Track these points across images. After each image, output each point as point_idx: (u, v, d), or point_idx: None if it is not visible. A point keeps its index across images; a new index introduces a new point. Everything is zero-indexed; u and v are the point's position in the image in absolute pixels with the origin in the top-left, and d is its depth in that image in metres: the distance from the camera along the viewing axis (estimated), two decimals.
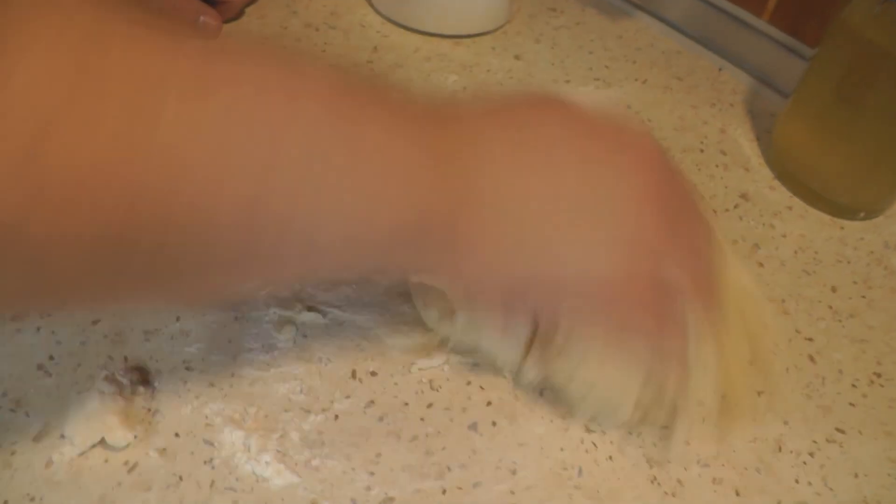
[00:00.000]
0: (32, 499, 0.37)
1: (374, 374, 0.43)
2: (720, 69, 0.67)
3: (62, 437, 0.39)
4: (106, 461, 0.39)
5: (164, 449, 0.39)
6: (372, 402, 0.42)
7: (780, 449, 0.43)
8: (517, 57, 0.66)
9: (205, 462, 0.39)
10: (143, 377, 0.42)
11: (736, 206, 0.56)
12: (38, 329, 0.43)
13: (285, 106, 0.28)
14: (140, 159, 0.25)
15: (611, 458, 0.41)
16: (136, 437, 0.39)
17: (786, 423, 0.44)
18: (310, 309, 0.45)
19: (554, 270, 0.36)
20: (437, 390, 0.42)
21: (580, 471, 0.40)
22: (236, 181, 0.27)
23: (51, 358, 0.42)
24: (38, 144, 0.23)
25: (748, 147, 0.61)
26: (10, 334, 0.43)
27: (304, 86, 0.30)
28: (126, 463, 0.39)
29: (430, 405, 0.42)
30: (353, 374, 0.43)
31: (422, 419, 0.41)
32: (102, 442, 0.39)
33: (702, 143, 0.61)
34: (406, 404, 0.42)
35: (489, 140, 0.35)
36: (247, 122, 0.27)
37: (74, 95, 0.23)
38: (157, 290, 0.32)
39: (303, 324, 0.45)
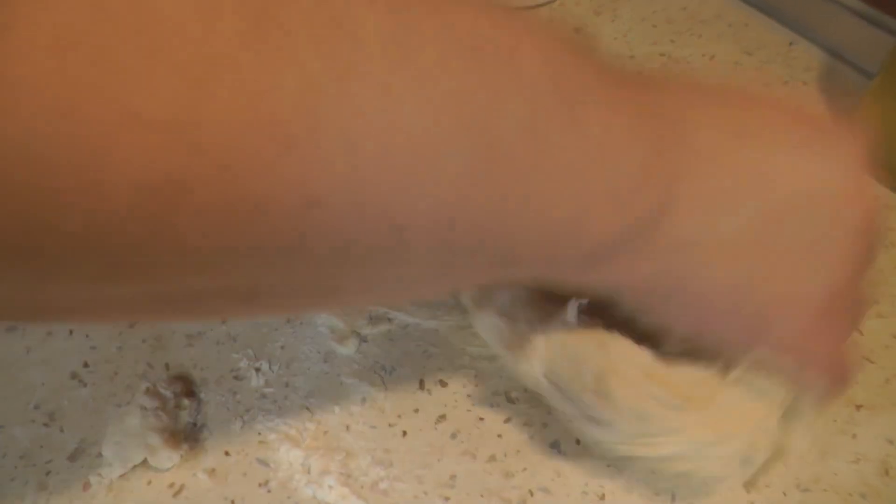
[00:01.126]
0: None
1: (444, 384, 0.39)
2: (791, 44, 0.62)
3: (100, 455, 0.35)
4: (149, 483, 0.35)
5: (214, 470, 0.35)
6: (443, 416, 0.38)
7: (886, 472, 0.38)
8: (578, 30, 0.61)
9: (260, 485, 0.35)
10: (187, 388, 0.38)
11: None
12: (71, 332, 0.39)
13: (503, 70, 0.21)
14: (322, 135, 0.18)
15: (705, 482, 0.37)
16: (181, 456, 0.35)
17: (890, 441, 0.40)
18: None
19: (764, 307, 0.30)
20: (515, 402, 0.38)
21: (673, 496, 0.36)
22: (437, 187, 0.20)
23: (85, 365, 0.38)
24: (200, 89, 0.16)
25: None
26: (40, 338, 0.39)
27: (521, 39, 0.22)
28: (172, 485, 0.35)
29: (507, 419, 0.38)
30: (421, 385, 0.39)
31: (499, 436, 0.37)
32: (145, 462, 0.35)
33: None
34: (481, 419, 0.38)
35: (706, 125, 0.28)
36: (456, 98, 0.20)
37: (247, 40, 0.17)
38: (305, 302, 0.26)
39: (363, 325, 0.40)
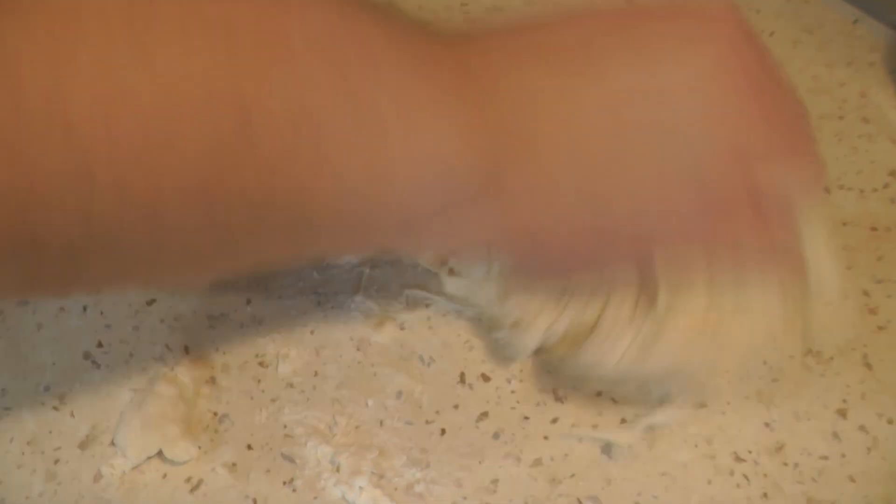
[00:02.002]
0: None
1: (486, 378, 0.36)
2: (855, 21, 0.59)
3: (112, 444, 0.33)
4: (164, 477, 0.32)
5: (235, 464, 0.33)
6: (485, 413, 0.35)
7: None
8: (630, 2, 0.57)
9: (284, 483, 0.32)
10: (207, 374, 0.35)
11: (886, 186, 0.48)
12: (85, 309, 0.36)
13: (262, 49, 0.22)
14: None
15: (766, 495, 0.34)
16: (199, 448, 0.33)
17: None
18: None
19: (633, 219, 0.28)
20: (562, 402, 0.35)
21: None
22: (183, 162, 0.21)
23: (99, 345, 0.35)
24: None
25: (894, 115, 0.52)
26: (52, 314, 0.36)
27: (290, 19, 0.23)
28: (188, 480, 0.32)
29: (554, 420, 0.35)
30: (462, 379, 0.36)
31: (545, 438, 0.34)
32: (160, 454, 0.32)
33: (840, 108, 0.52)
34: (526, 418, 0.35)
35: (510, 54, 0.27)
36: (198, 78, 0.21)
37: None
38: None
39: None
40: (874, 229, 0.45)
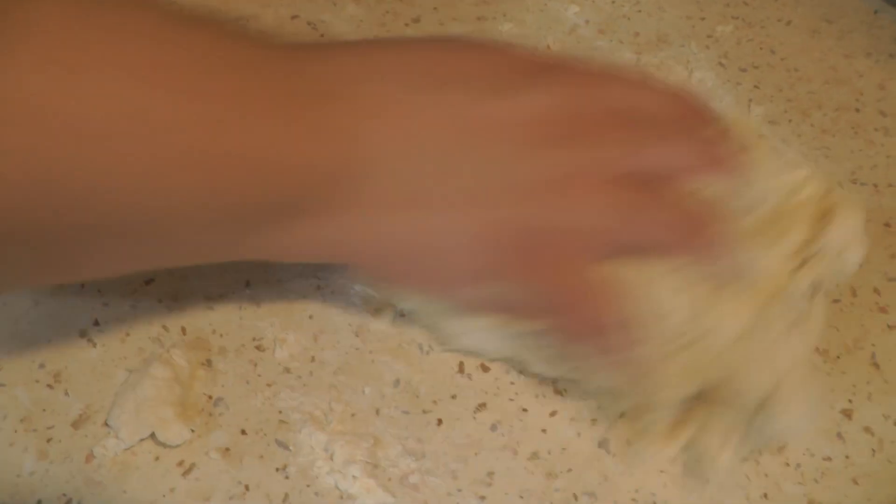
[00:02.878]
0: (69, 501, 0.31)
1: (485, 368, 0.35)
2: (876, 11, 0.58)
3: (106, 425, 0.32)
4: (157, 459, 0.32)
5: (228, 449, 0.32)
6: (483, 404, 0.34)
7: None
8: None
9: (277, 469, 0.32)
10: (203, 356, 0.34)
11: None
12: (82, 286, 0.36)
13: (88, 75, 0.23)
14: None
15: (766, 495, 0.34)
16: (193, 431, 0.32)
17: None
18: None
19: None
20: (562, 395, 0.35)
21: None
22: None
23: (95, 323, 0.35)
24: None
25: None
26: (49, 290, 0.36)
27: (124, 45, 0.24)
28: (181, 464, 0.32)
29: (553, 413, 0.34)
30: (461, 368, 0.35)
31: (543, 431, 0.34)
32: (153, 436, 0.32)
33: (857, 100, 0.51)
34: (524, 410, 0.34)
35: (348, 64, 0.29)
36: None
37: None
38: None
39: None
40: (888, 226, 0.44)
